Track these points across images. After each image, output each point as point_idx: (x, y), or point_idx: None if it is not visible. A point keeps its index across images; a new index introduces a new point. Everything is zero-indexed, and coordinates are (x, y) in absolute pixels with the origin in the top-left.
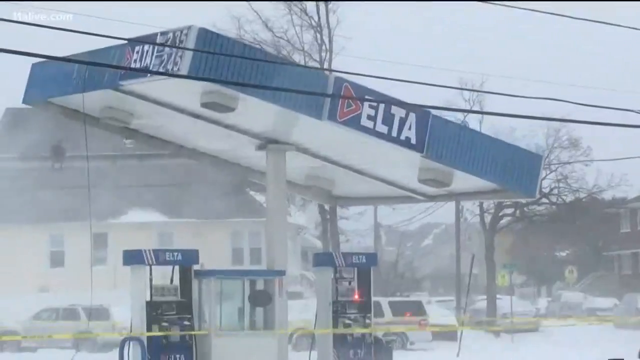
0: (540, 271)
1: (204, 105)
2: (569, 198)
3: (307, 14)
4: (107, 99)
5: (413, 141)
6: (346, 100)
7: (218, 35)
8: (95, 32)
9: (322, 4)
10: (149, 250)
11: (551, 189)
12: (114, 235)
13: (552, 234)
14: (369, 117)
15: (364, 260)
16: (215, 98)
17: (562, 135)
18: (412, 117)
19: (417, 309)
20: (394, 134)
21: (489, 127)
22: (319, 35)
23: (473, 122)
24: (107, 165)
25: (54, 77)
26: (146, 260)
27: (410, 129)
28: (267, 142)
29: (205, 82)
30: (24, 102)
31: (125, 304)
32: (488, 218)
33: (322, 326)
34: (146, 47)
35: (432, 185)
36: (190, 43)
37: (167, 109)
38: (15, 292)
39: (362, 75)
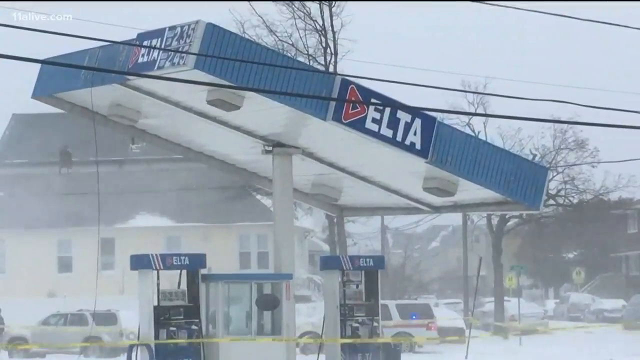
0: (548, 273)
1: (210, 102)
2: (576, 199)
3: (311, 18)
4: (115, 96)
5: (418, 146)
6: (352, 102)
7: (225, 31)
8: (94, 35)
9: (326, 8)
10: (157, 255)
11: (558, 191)
12: (121, 240)
13: (559, 236)
14: (374, 120)
15: (371, 263)
16: (221, 95)
17: (568, 136)
18: (418, 122)
19: (425, 311)
20: (399, 138)
21: (494, 129)
22: (323, 39)
23: (478, 124)
24: (114, 170)
25: (63, 72)
26: (153, 265)
27: (415, 134)
28: (274, 145)
29: (211, 79)
30: (33, 96)
31: (133, 308)
32: (495, 220)
33: (330, 329)
34: (154, 41)
35: (437, 194)
36: (197, 38)
37: (174, 106)
38: (23, 297)
39: (367, 78)
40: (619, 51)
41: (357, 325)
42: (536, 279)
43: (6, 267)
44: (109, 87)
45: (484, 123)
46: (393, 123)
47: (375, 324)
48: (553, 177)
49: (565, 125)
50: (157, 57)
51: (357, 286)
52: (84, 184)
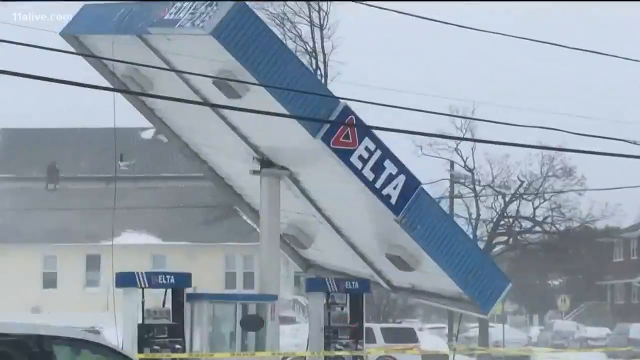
0: (533, 300)
1: (216, 83)
2: (563, 227)
3: (302, 40)
4: (134, 57)
5: (393, 201)
6: (346, 132)
7: (252, 12)
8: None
9: (317, 30)
10: (142, 273)
11: (545, 218)
12: (107, 257)
13: (545, 263)
14: (360, 158)
15: (356, 286)
16: (228, 78)
17: (556, 163)
18: (402, 178)
19: (409, 335)
20: (378, 185)
21: (482, 154)
22: (314, 61)
23: (466, 149)
24: (101, 187)
25: (96, 17)
26: (139, 283)
27: (395, 188)
28: (262, 165)
29: (223, 61)
30: (61, 33)
31: (117, 326)
32: (481, 245)
33: (314, 351)
34: (185, 3)
35: (397, 264)
36: (225, 7)
37: (184, 84)
38: (7, 312)
39: (357, 100)
40: (609, 80)
41: (341, 347)
42: (521, 305)
43: None
44: (130, 45)
45: (472, 148)
46: (377, 169)
47: (359, 347)
48: (540, 204)
49: (553, 153)
50: (182, 16)
51: (342, 309)
52: (70, 200)
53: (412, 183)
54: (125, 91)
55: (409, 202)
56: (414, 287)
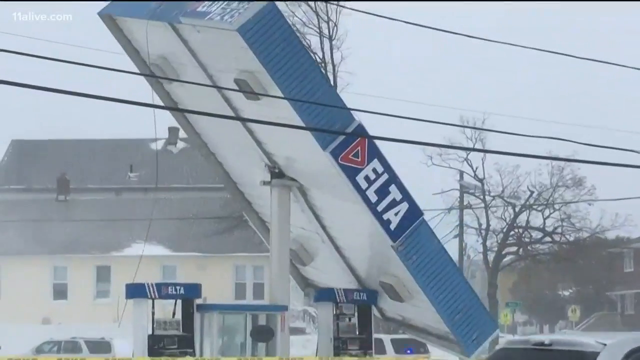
0: (543, 310)
1: (236, 81)
2: (573, 237)
3: (311, 50)
4: (165, 46)
5: (392, 226)
6: (356, 150)
7: (282, 16)
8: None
9: (326, 41)
10: (152, 284)
11: (555, 228)
12: (116, 268)
13: (555, 273)
14: (366, 179)
15: (365, 297)
16: (248, 78)
17: (566, 174)
18: (405, 206)
19: (420, 346)
20: (380, 208)
21: (492, 164)
22: (323, 71)
23: (476, 159)
24: (111, 198)
25: (137, 2)
26: (149, 294)
27: (396, 215)
28: (273, 176)
29: (246, 60)
30: (98, 13)
31: (127, 337)
32: (491, 256)
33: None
34: None
35: (388, 293)
36: (255, 6)
37: (208, 79)
38: (18, 323)
39: (366, 111)
40: (619, 90)
41: (349, 358)
42: (531, 316)
43: (1, 292)
44: (162, 34)
45: (482, 159)
46: (382, 192)
47: (368, 357)
48: (550, 214)
49: (562, 163)
50: (214, 10)
51: (350, 319)
52: (80, 211)
53: (414, 212)
54: (161, 107)
55: (408, 230)
56: (404, 320)
